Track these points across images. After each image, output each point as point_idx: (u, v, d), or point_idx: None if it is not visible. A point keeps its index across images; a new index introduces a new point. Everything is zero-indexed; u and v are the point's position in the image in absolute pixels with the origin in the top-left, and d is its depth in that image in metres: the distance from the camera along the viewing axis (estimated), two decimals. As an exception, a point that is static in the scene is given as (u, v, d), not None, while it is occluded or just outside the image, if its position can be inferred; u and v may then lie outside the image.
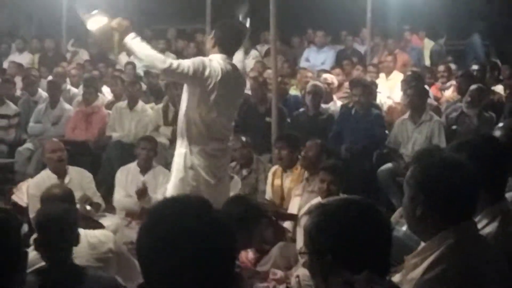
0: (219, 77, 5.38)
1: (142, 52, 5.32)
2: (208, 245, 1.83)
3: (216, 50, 5.53)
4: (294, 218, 6.64)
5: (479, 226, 3.01)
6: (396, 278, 3.02)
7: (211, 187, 5.53)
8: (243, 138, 7.86)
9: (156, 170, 7.90)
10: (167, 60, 5.29)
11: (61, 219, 3.93)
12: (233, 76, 5.53)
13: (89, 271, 3.92)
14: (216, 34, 5.56)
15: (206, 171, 5.52)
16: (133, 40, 5.35)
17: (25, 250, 2.46)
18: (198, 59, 5.42)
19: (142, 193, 7.50)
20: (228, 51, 5.58)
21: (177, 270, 1.81)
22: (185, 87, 5.55)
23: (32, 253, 4.51)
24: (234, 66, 5.61)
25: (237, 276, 1.90)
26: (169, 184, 5.75)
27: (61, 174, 7.19)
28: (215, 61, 5.45)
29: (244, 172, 7.84)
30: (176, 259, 1.81)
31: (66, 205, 4.36)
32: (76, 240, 3.98)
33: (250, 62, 13.07)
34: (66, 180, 7.12)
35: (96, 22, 5.77)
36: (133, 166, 7.95)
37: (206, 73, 5.35)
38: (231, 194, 5.93)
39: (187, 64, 5.28)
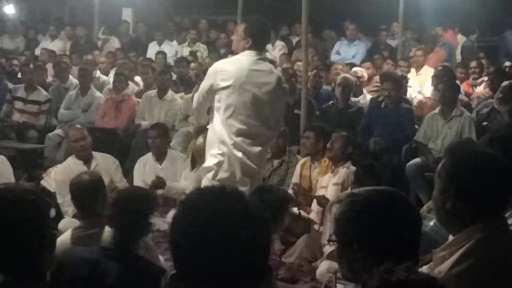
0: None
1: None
2: (242, 235, 1.80)
3: (248, 46, 5.54)
4: (322, 201, 6.60)
5: (510, 221, 2.97)
6: (423, 270, 3.00)
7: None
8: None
9: (173, 157, 7.93)
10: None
11: (138, 202, 4.01)
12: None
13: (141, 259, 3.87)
14: (250, 29, 5.56)
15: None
16: None
17: (54, 232, 2.48)
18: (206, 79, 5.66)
19: (157, 186, 7.49)
20: (261, 47, 5.68)
21: (211, 260, 1.78)
22: None
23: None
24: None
25: (269, 266, 1.88)
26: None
27: (86, 160, 7.23)
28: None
29: (275, 162, 7.80)
30: (211, 249, 1.78)
31: (148, 192, 4.40)
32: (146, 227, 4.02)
33: (277, 53, 13.06)
34: (92, 166, 7.17)
35: None
36: (149, 156, 7.97)
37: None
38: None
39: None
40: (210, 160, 5.56)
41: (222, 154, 5.49)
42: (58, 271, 3.17)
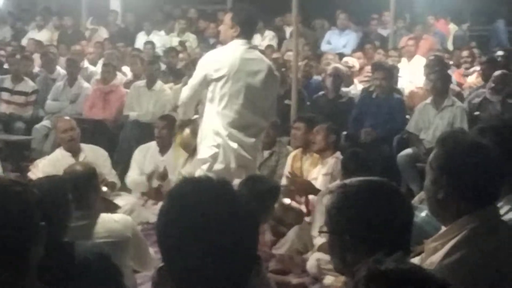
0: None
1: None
2: (230, 227, 1.78)
3: (236, 34, 5.52)
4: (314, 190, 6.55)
5: (501, 211, 2.94)
6: (414, 261, 2.96)
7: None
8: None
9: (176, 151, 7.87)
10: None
11: (55, 191, 3.69)
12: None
13: (78, 247, 3.62)
14: (237, 18, 5.55)
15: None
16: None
17: (42, 224, 2.44)
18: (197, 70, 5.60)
19: (162, 176, 7.46)
20: (249, 35, 5.64)
21: (199, 253, 1.76)
22: None
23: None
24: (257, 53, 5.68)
25: (258, 258, 1.86)
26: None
27: (75, 152, 7.16)
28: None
29: (266, 153, 7.73)
30: (197, 241, 1.77)
31: (66, 178, 4.20)
32: (70, 217, 3.74)
33: (266, 43, 13.01)
34: (81, 158, 7.09)
35: None
36: (153, 146, 7.95)
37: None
38: None
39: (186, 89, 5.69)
40: (205, 152, 5.53)
41: (217, 146, 5.46)
42: None
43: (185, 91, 5.67)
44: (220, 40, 6.22)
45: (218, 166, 5.46)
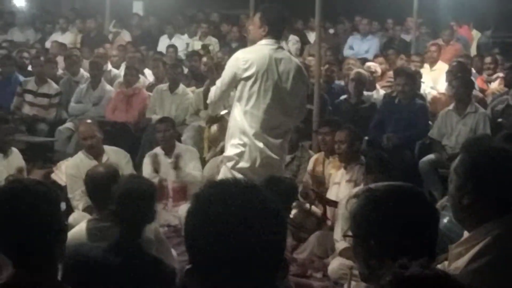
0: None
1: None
2: (258, 229, 1.77)
3: (264, 33, 5.54)
4: (334, 204, 6.53)
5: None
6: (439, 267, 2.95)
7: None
8: None
9: (181, 150, 7.92)
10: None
11: (141, 194, 3.95)
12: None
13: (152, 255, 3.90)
14: (266, 17, 5.55)
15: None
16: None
17: (65, 223, 2.47)
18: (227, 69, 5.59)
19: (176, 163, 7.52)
20: (278, 34, 5.64)
21: (227, 255, 1.75)
22: None
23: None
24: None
25: (285, 261, 1.86)
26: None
27: (97, 154, 7.18)
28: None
29: (287, 158, 7.70)
30: (226, 244, 1.75)
31: (149, 181, 4.32)
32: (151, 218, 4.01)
33: (291, 48, 12.99)
34: (103, 160, 7.11)
35: None
36: (158, 150, 7.95)
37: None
38: None
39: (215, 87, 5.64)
40: (231, 150, 5.57)
41: (244, 145, 5.49)
42: (67, 272, 3.17)
43: (214, 90, 5.68)
44: (250, 40, 6.19)
45: (244, 164, 5.49)
